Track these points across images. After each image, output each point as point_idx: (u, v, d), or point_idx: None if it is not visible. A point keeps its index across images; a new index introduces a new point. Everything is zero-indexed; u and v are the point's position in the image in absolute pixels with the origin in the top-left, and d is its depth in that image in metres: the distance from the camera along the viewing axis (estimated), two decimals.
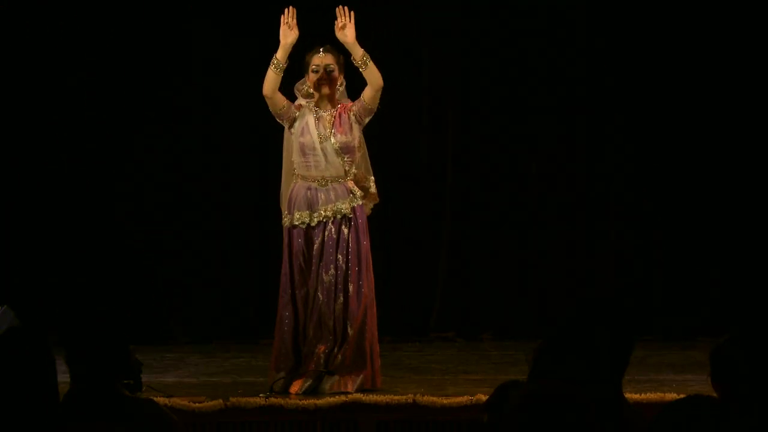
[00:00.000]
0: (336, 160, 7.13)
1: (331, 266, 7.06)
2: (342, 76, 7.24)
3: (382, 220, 10.05)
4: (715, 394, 3.55)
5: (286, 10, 7.27)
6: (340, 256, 7.07)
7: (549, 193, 10.13)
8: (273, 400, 6.66)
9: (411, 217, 10.14)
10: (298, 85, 7.31)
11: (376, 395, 6.74)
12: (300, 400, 6.67)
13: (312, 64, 7.25)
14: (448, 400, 6.66)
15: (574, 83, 10.10)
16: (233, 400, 6.63)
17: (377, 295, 10.17)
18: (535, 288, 10.11)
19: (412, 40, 10.13)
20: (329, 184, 7.15)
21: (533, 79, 10.08)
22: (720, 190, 10.04)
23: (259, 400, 6.67)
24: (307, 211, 7.12)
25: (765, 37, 9.96)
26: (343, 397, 6.69)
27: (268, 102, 7.26)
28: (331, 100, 7.23)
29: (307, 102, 7.27)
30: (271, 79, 7.20)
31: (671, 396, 6.38)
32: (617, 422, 3.29)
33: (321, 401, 6.66)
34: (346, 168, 7.15)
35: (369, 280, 7.13)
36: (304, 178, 7.18)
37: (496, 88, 10.10)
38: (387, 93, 9.66)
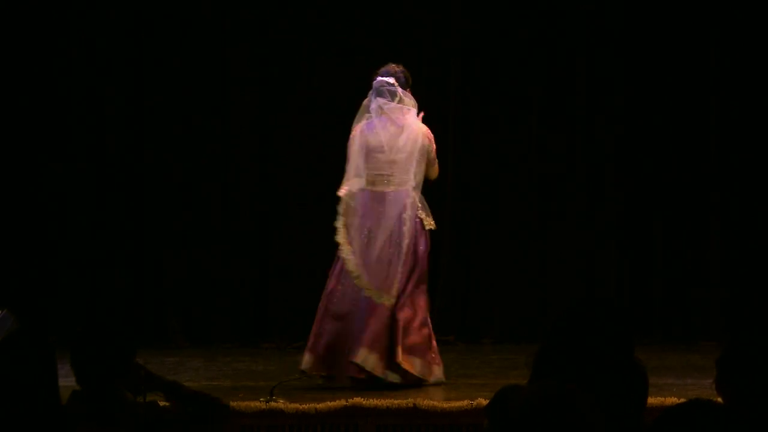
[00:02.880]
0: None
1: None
2: (400, 89, 7.64)
3: None
4: (716, 398, 3.55)
5: None
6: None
7: (549, 197, 10.12)
8: (273, 404, 6.66)
9: None
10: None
11: (376, 399, 6.73)
12: (300, 405, 6.67)
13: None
14: (449, 405, 6.65)
15: (573, 84, 10.08)
16: (233, 404, 6.61)
17: None
18: (536, 292, 10.09)
19: (411, 40, 10.12)
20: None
21: (532, 78, 10.06)
22: (720, 191, 10.03)
23: (260, 404, 6.66)
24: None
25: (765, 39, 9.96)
26: (343, 401, 6.69)
27: None
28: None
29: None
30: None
31: (672, 400, 6.36)
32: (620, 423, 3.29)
33: (321, 405, 6.65)
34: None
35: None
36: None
37: (495, 87, 10.08)
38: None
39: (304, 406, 6.64)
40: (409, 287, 7.51)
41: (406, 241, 7.53)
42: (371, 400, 6.69)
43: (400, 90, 7.72)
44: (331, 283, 7.61)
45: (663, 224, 10.11)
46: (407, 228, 7.54)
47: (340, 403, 6.66)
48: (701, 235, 10.08)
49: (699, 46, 10.02)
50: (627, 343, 3.41)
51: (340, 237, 7.59)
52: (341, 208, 7.60)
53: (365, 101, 7.70)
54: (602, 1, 10.09)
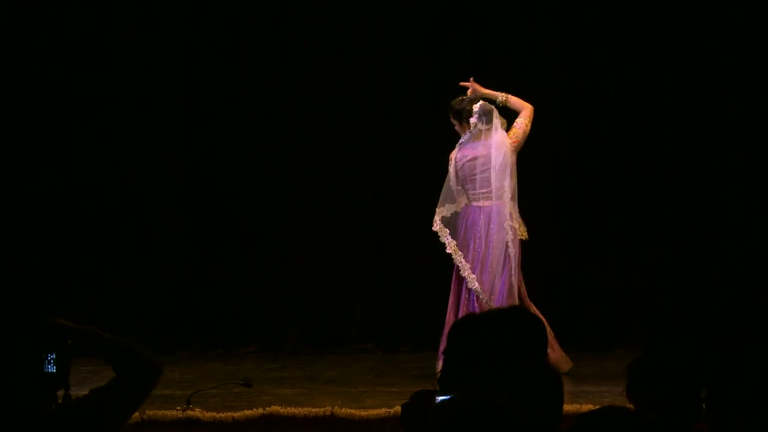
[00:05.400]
0: None
1: None
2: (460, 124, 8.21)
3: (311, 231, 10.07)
4: (629, 405, 3.60)
5: None
6: None
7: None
8: (190, 412, 6.63)
9: (337, 233, 10.12)
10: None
11: (294, 407, 6.72)
12: (217, 413, 6.64)
13: None
14: (366, 413, 6.66)
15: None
16: (150, 413, 6.58)
17: (295, 307, 10.15)
18: None
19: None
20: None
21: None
22: (634, 201, 10.11)
23: (176, 412, 6.63)
24: None
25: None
26: (260, 410, 6.67)
27: None
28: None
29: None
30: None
31: (587, 407, 6.42)
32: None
33: (238, 414, 6.63)
34: None
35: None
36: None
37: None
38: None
39: (221, 414, 6.62)
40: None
41: (513, 250, 8.06)
42: (289, 409, 6.69)
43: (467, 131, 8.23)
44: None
45: (585, 232, 10.16)
46: (510, 238, 8.05)
47: (257, 411, 6.65)
48: (618, 246, 10.14)
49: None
50: (540, 350, 3.45)
51: (457, 258, 8.10)
52: (443, 238, 8.14)
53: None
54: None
